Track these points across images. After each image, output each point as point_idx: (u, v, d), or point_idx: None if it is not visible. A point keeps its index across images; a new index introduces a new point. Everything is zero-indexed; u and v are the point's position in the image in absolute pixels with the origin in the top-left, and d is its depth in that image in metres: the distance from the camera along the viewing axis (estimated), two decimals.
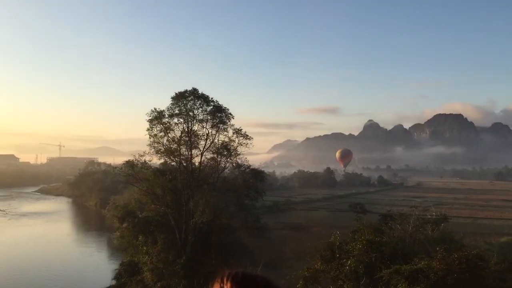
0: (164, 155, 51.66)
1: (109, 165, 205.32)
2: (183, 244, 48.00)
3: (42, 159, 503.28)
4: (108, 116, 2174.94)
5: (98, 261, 74.48)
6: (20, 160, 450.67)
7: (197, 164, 53.41)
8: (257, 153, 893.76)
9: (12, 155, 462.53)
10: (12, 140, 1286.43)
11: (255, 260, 53.99)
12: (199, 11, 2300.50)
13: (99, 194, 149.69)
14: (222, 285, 2.91)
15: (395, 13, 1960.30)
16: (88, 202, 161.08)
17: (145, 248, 48.47)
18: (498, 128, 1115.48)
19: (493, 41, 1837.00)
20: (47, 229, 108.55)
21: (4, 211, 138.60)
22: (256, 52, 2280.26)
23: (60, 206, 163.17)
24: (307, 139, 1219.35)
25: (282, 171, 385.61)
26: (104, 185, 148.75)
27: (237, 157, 52.86)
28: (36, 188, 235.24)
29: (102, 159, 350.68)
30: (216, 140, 53.00)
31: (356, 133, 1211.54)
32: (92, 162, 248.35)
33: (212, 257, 44.22)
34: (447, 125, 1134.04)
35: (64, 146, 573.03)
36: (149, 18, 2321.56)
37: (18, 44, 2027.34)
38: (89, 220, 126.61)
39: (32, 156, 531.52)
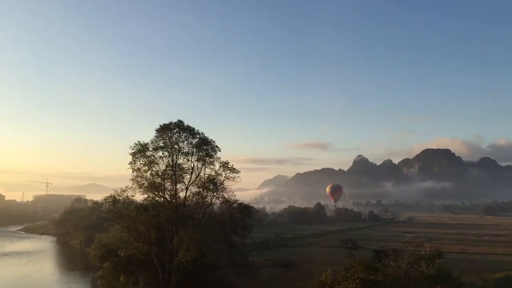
0: (148, 190, 49.56)
1: (96, 202, 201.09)
2: (166, 284, 45.46)
3: (29, 197, 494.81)
4: (97, 153, 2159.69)
5: None
6: (6, 198, 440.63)
7: (182, 199, 51.46)
8: (247, 188, 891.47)
9: None
10: None
11: None
12: (188, 47, 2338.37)
13: (84, 232, 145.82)
14: None
15: (382, 50, 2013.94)
16: (73, 241, 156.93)
17: None
18: (485, 162, 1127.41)
19: (480, 78, 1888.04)
20: (29, 269, 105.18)
21: None
22: (246, 88, 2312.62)
23: (44, 245, 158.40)
24: (298, 174, 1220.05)
25: (272, 207, 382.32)
26: (90, 223, 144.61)
27: (224, 191, 51.06)
28: (21, 227, 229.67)
29: (90, 196, 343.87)
30: (202, 174, 51.19)
31: (346, 168, 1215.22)
32: (79, 200, 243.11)
33: None
34: (436, 160, 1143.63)
35: (51, 184, 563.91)
36: (139, 53, 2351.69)
37: (3, 78, 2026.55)
38: (73, 260, 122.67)
39: (19, 194, 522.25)
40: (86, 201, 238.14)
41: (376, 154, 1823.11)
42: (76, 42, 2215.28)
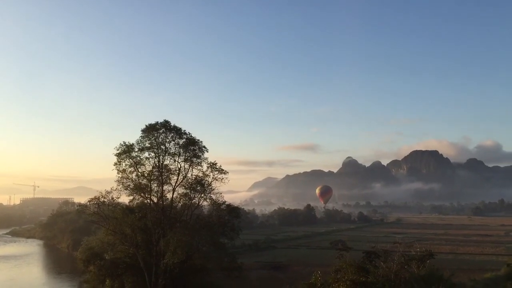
0: (134, 191, 48.44)
1: (80, 204, 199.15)
2: (153, 287, 44.46)
3: (16, 200, 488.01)
4: (85, 156, 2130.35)
5: None
6: None
7: (169, 200, 50.45)
8: (237, 191, 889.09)
9: None
10: None
11: None
12: (176, 49, 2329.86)
13: (71, 235, 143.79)
14: None
15: (370, 53, 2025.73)
16: (60, 244, 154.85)
17: None
18: (473, 164, 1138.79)
19: (467, 81, 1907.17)
20: (16, 273, 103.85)
21: None
22: (235, 92, 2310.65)
23: (30, 248, 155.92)
24: (287, 176, 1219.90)
25: (262, 209, 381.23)
26: (77, 226, 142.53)
27: (212, 192, 50.14)
28: (7, 230, 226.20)
29: (78, 199, 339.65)
30: (189, 175, 50.33)
31: (335, 170, 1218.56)
32: (66, 203, 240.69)
33: None
34: (424, 162, 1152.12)
35: (38, 187, 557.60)
36: (127, 56, 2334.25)
37: None
38: (61, 263, 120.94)
39: (5, 197, 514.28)
40: (73, 204, 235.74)
41: (365, 156, 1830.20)
42: (62, 44, 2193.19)
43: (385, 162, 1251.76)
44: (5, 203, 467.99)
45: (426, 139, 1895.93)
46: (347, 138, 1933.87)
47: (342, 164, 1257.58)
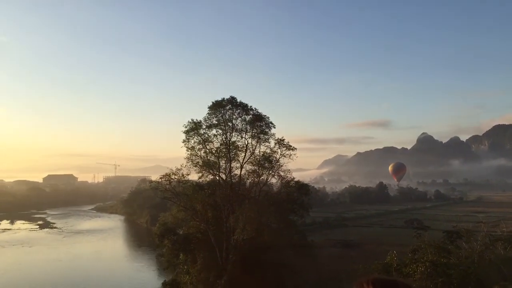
0: (202, 168, 48.78)
1: (152, 181, 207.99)
2: (224, 263, 44.91)
3: (99, 178, 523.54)
4: (161, 136, 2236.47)
5: (145, 278, 74.36)
6: (79, 180, 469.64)
7: (237, 177, 50.33)
8: (306, 169, 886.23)
9: (71, 175, 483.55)
10: (72, 160, 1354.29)
11: (303, 280, 50.32)
12: (243, 26, 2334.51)
13: (149, 211, 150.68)
14: None
15: (441, 20, 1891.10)
16: (139, 219, 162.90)
17: (185, 267, 45.86)
18: None
19: None
20: (101, 246, 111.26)
21: (61, 228, 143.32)
22: (301, 68, 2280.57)
23: (113, 223, 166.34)
24: (358, 153, 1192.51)
25: (332, 187, 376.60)
26: (154, 203, 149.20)
27: (280, 169, 49.21)
28: (92, 206, 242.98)
29: (154, 177, 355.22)
30: (256, 152, 49.72)
31: (409, 147, 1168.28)
32: (144, 180, 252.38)
33: (255, 277, 40.85)
34: (508, 136, 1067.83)
35: (119, 166, 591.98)
36: (199, 35, 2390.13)
37: (76, 72, 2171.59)
38: (140, 237, 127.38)
39: (90, 175, 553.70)
40: (151, 182, 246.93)
41: (441, 132, 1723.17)
42: (138, 28, 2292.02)
43: (464, 137, 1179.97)
44: (90, 181, 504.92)
45: (510, 112, 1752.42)
46: (421, 114, 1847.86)
47: (417, 141, 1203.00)
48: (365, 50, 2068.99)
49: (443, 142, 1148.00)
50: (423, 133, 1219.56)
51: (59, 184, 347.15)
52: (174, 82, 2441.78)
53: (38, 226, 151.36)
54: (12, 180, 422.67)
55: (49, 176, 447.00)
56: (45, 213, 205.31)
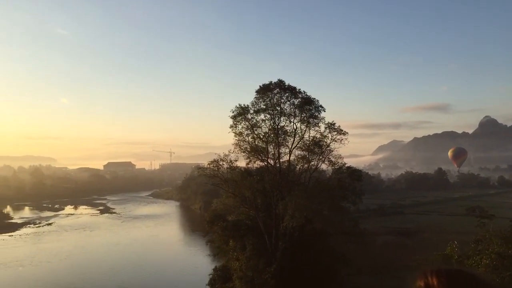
0: (250, 154, 47.87)
1: (200, 167, 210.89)
2: (273, 250, 44.18)
3: (155, 165, 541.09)
4: (214, 123, 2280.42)
5: (198, 262, 76.21)
6: (136, 167, 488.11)
7: (286, 163, 49.15)
8: (361, 155, 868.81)
9: (129, 162, 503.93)
10: (131, 148, 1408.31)
11: (355, 269, 48.82)
12: (293, 9, 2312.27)
13: (202, 197, 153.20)
14: (427, 280, 2.90)
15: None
16: (193, 205, 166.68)
17: (235, 253, 45.70)
18: None
19: None
20: (158, 230, 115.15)
21: (120, 214, 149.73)
22: (354, 51, 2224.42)
23: (168, 209, 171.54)
24: (415, 139, 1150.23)
25: (388, 173, 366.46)
26: (206, 189, 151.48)
27: (331, 154, 47.42)
28: (149, 193, 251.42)
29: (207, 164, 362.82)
30: (306, 136, 48.10)
31: (470, 131, 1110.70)
32: (197, 167, 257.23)
33: (305, 265, 39.90)
34: None
35: (174, 153, 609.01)
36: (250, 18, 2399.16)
37: (130, 66, 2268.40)
38: (194, 223, 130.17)
39: (147, 163, 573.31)
40: (199, 168, 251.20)
41: (506, 115, 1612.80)
42: (189, 17, 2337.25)
43: None
44: (147, 168, 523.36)
45: None
46: (482, 96, 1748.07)
47: (479, 124, 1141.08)
48: (419, 31, 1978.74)
49: (508, 125, 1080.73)
50: (486, 116, 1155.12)
51: (118, 171, 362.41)
52: (228, 67, 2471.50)
53: (98, 211, 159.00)
54: (75, 167, 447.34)
55: (109, 163, 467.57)
56: (105, 198, 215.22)
